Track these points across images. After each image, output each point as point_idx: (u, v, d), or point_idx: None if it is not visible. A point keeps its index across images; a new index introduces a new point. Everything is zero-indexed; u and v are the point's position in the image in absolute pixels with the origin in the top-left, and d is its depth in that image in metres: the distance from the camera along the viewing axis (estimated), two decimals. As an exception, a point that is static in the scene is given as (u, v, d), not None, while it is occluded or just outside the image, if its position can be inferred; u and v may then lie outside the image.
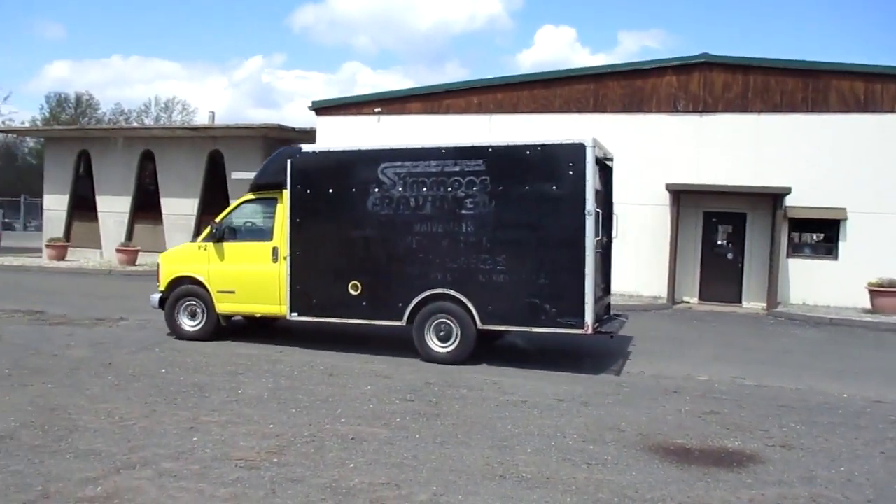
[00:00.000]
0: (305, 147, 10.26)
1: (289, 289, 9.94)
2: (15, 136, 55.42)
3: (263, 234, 10.42)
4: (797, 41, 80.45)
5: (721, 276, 17.96)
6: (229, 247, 10.54)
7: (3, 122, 54.28)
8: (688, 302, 17.86)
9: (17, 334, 10.55)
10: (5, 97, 72.12)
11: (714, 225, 18.28)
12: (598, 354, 10.34)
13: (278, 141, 23.72)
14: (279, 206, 10.21)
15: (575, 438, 6.19)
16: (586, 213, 8.77)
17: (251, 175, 23.92)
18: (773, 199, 17.07)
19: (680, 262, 17.72)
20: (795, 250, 17.79)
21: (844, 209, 17.05)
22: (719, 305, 17.44)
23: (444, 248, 9.29)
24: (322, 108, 21.27)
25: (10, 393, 7.15)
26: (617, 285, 17.98)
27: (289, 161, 10.03)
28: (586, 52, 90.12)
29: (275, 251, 10.18)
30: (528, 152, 9.13)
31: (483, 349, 9.62)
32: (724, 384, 8.71)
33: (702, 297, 18.01)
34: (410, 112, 20.22)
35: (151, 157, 24.80)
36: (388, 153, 9.66)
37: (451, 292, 9.26)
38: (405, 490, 4.88)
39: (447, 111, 19.95)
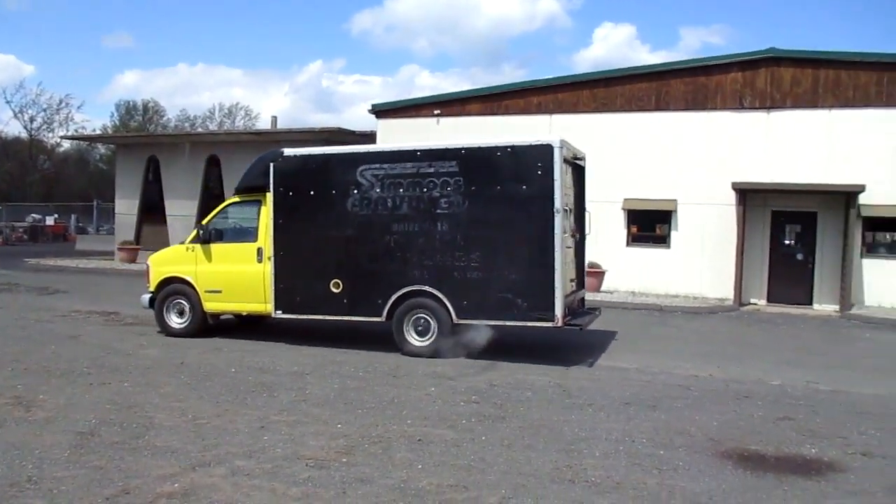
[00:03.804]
0: (287, 151, 10.51)
1: (273, 288, 10.31)
2: (87, 143, 57.68)
3: (248, 235, 10.81)
4: (868, 34, 77.45)
5: (790, 278, 17.39)
6: (216, 248, 10.92)
7: (76, 131, 56.63)
8: (755, 304, 17.37)
9: (93, 334, 10.96)
10: (78, 106, 75.01)
11: (782, 224, 17.73)
12: (664, 356, 10.15)
13: (340, 144, 24.05)
14: (263, 208, 10.57)
15: (644, 443, 6.08)
16: (555, 211, 9.05)
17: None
18: (845, 197, 16.46)
19: (747, 263, 17.25)
20: (870, 250, 17.11)
21: (923, 207, 16.31)
22: (789, 307, 16.89)
23: (421, 247, 9.63)
24: (382, 111, 21.46)
25: (90, 391, 7.43)
26: (681, 287, 17.88)
27: (271, 165, 10.37)
28: (646, 50, 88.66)
29: (259, 252, 10.55)
30: (498, 153, 9.40)
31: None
32: (798, 389, 8.43)
33: (770, 299, 17.49)
34: (469, 113, 20.22)
35: (217, 163, 25.38)
36: (366, 156, 10.04)
37: (428, 289, 9.58)
38: (474, 492, 4.87)
39: (506, 112, 19.88)
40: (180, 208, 25.70)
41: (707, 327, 13.90)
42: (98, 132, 56.94)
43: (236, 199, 11.14)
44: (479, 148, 9.55)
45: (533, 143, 9.32)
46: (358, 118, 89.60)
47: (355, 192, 9.90)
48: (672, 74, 18.60)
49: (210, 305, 10.92)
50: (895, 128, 16.55)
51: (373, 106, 21.63)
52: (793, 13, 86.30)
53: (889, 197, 16.38)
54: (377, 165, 9.84)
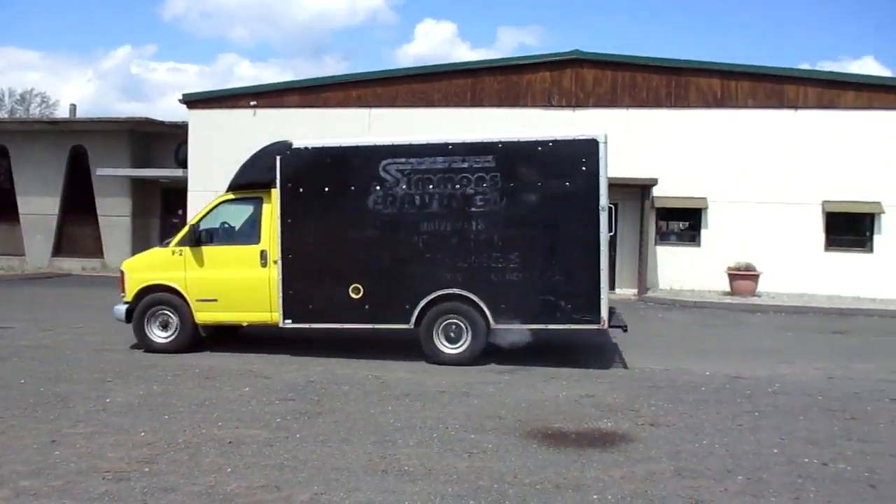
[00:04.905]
0: (296, 143, 9.47)
1: (281, 295, 9.31)
2: None
3: (249, 236, 9.69)
4: (670, 39, 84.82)
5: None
6: (209, 251, 9.67)
7: None
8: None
9: None
10: None
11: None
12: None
13: (147, 135, 22.72)
14: (266, 206, 9.56)
15: (457, 429, 6.28)
16: (600, 208, 8.82)
17: (119, 172, 22.83)
18: (641, 189, 17.97)
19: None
20: (663, 238, 18.85)
21: (705, 198, 18.19)
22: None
23: (454, 248, 9.04)
24: (194, 102, 20.53)
25: None
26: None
27: (278, 158, 9.36)
28: (466, 47, 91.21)
29: (263, 254, 9.50)
30: (539, 148, 9.00)
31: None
32: (599, 368, 9.08)
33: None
34: (288, 105, 19.85)
35: (5, 154, 23.13)
36: (389, 149, 9.25)
37: (462, 292, 9.03)
38: (285, 492, 4.79)
39: (325, 105, 19.72)
40: (-38, 204, 23.13)
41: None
42: None
43: (231, 196, 9.84)
44: (519, 142, 9.04)
45: (577, 138, 8.95)
46: (173, 108, 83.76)
47: (378, 188, 9.10)
48: (487, 72, 19.35)
49: (203, 316, 9.62)
50: (682, 127, 18.35)
51: (184, 96, 20.62)
52: (604, 16, 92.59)
53: (678, 189, 18.13)
54: (403, 160, 9.07)
